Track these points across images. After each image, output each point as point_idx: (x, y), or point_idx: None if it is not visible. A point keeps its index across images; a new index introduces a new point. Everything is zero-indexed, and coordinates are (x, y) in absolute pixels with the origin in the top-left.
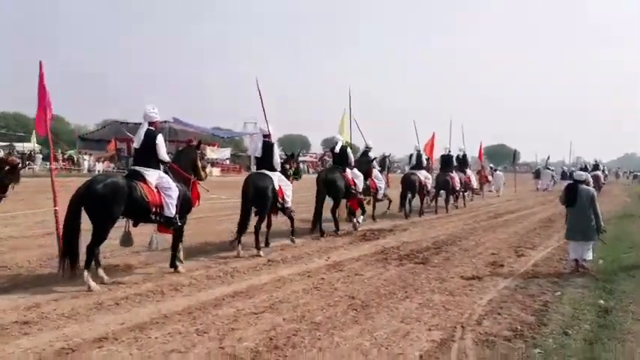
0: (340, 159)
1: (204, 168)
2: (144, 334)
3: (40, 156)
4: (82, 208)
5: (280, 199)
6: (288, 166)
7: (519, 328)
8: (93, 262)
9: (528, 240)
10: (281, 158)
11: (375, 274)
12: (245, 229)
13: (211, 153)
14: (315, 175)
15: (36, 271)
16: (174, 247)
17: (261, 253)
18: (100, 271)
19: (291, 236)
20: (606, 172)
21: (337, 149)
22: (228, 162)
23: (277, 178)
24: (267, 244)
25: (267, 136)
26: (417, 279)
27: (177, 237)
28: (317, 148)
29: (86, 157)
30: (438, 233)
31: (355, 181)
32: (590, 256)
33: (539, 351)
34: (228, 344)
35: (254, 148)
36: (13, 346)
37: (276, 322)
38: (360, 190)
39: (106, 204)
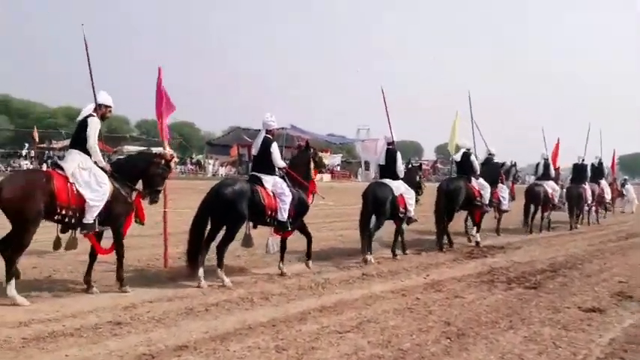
0: (464, 167)
1: (320, 161)
2: (224, 345)
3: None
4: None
5: (402, 208)
6: (417, 178)
7: None
8: (200, 263)
9: None
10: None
11: (478, 297)
12: (367, 235)
13: (324, 159)
14: (430, 184)
15: (143, 271)
16: (309, 243)
17: (371, 259)
18: (200, 271)
19: (403, 246)
20: None
21: (458, 157)
22: (338, 168)
23: (398, 187)
24: (394, 255)
25: (390, 143)
26: (525, 307)
27: (307, 236)
28: (430, 155)
29: (210, 161)
30: (556, 254)
31: (481, 192)
32: None
33: None
34: None
35: (377, 157)
36: (101, 346)
37: (360, 344)
38: (487, 201)
39: (234, 207)
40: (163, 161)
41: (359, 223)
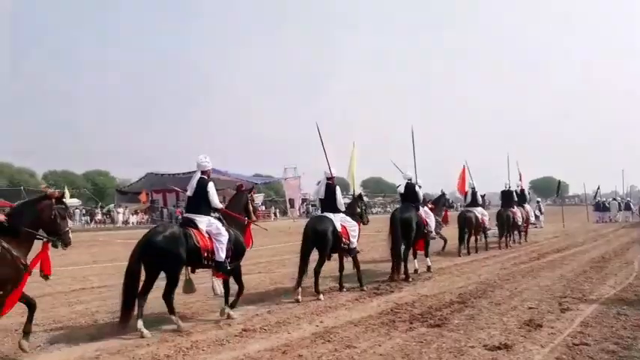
0: (409, 197)
1: (254, 210)
2: None
3: (78, 211)
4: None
5: (345, 240)
6: (358, 209)
7: None
8: (137, 312)
9: (576, 287)
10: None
11: (372, 345)
12: (304, 273)
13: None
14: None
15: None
16: (240, 288)
17: (321, 297)
18: (140, 323)
19: (358, 281)
20: None
21: (402, 189)
22: (263, 208)
23: (340, 219)
24: (340, 288)
25: (330, 178)
26: (425, 352)
27: (238, 279)
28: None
29: (120, 209)
30: (467, 282)
31: (427, 220)
32: None
33: None
34: None
35: (316, 191)
36: None
37: None
38: (432, 229)
39: (169, 253)
40: (54, 200)
41: (299, 258)
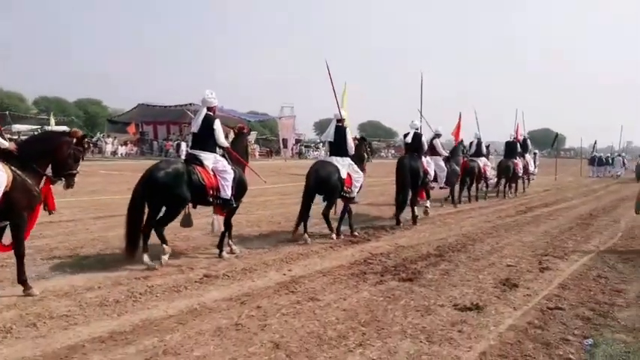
0: (415, 147)
1: (248, 155)
2: None
3: None
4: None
5: (347, 188)
6: (364, 153)
7: None
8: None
9: (559, 244)
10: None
11: (337, 298)
12: (303, 218)
13: (233, 135)
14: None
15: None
16: (228, 227)
17: (334, 236)
18: (145, 257)
19: (351, 227)
20: None
21: (409, 138)
22: (256, 147)
23: (347, 166)
24: (337, 234)
25: (340, 120)
26: (390, 309)
27: (228, 220)
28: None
29: (109, 140)
30: (448, 234)
31: (428, 169)
32: None
33: None
34: None
35: (326, 134)
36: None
37: None
38: (432, 178)
39: (171, 190)
40: (75, 140)
41: (301, 201)
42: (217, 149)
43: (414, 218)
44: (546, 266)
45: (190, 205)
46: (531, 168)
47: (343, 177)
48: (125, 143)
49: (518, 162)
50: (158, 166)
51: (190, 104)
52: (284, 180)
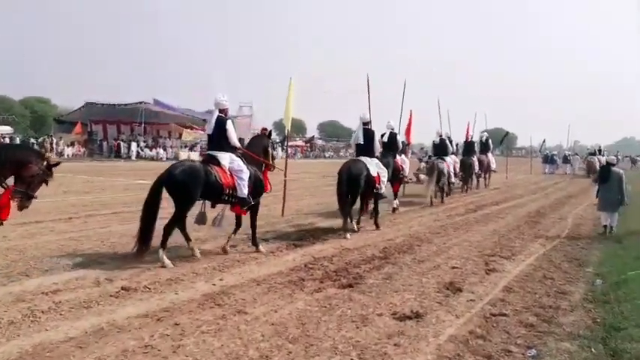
0: (390, 146)
1: (273, 158)
2: None
3: (8, 140)
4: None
5: (378, 185)
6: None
7: None
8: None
9: (506, 244)
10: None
11: (268, 310)
12: (348, 213)
13: (187, 136)
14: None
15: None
16: (254, 227)
17: (355, 226)
18: (192, 245)
19: (375, 222)
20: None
21: (386, 138)
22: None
23: (374, 165)
24: (376, 225)
25: (367, 123)
26: (324, 321)
27: (253, 219)
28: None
29: (55, 140)
30: (396, 234)
31: (403, 166)
32: (615, 222)
33: None
34: None
35: (355, 137)
36: None
37: None
38: (406, 174)
39: (185, 188)
40: (45, 163)
41: (338, 201)
42: (233, 149)
43: (376, 223)
44: (492, 267)
45: (208, 204)
46: (493, 166)
47: (373, 175)
48: (72, 144)
49: (475, 160)
50: (176, 164)
51: (141, 102)
52: None
